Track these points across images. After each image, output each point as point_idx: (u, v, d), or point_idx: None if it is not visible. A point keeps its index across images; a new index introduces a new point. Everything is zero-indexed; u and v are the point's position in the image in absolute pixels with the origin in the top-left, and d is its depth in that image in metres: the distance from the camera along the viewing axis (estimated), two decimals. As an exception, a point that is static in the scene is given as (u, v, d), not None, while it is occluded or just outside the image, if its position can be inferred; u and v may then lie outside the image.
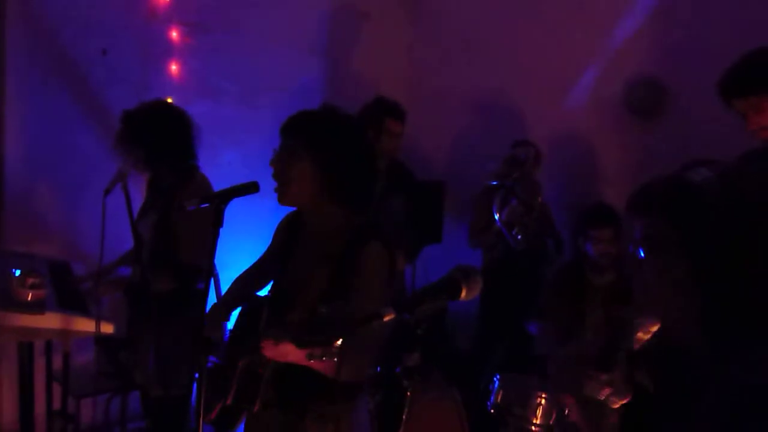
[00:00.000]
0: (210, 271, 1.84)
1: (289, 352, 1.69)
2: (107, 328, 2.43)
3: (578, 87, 4.03)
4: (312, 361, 1.49)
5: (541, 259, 3.75)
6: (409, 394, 1.45)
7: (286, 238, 2.07)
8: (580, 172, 4.06)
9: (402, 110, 3.59)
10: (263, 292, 2.13)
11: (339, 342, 1.41)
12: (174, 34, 3.73)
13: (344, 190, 1.90)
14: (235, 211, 1.87)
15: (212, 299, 2.33)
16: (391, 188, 3.62)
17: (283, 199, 1.92)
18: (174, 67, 3.75)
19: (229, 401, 1.86)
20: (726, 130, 2.47)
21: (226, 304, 2.13)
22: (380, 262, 1.86)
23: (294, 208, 2.04)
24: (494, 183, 3.62)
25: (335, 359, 1.42)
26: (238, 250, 2.85)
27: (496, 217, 3.55)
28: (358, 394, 1.93)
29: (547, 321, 3.30)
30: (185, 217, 2.53)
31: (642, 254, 1.94)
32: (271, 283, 2.09)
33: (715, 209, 1.19)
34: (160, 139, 2.66)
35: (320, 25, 4.29)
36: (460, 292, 1.45)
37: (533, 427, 2.81)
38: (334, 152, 1.88)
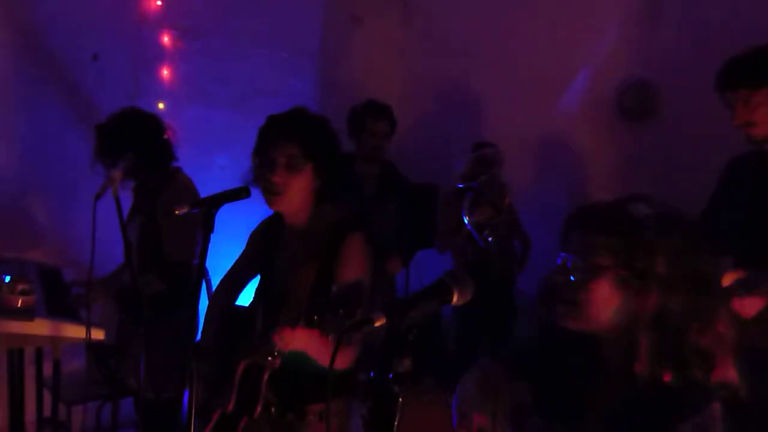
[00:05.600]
0: (201, 275, 1.83)
1: (304, 336, 1.70)
2: (98, 335, 2.42)
3: (569, 90, 4.04)
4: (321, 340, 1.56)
5: (510, 261, 3.72)
6: (400, 400, 1.44)
7: (265, 244, 2.09)
8: (571, 175, 4.06)
9: (382, 108, 3.54)
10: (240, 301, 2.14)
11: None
12: (165, 39, 3.72)
13: (332, 191, 1.96)
14: (225, 215, 1.86)
15: (203, 303, 2.32)
16: (384, 192, 3.62)
17: (278, 206, 1.95)
18: (165, 72, 3.74)
19: (230, 408, 1.85)
20: (716, 133, 2.49)
21: (216, 316, 2.12)
22: (361, 251, 1.92)
23: (268, 214, 2.08)
24: (461, 186, 3.53)
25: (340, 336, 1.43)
26: (229, 254, 2.84)
27: (466, 220, 3.47)
28: (351, 393, 1.98)
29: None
30: (173, 219, 2.53)
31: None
32: (256, 288, 2.09)
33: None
34: (141, 145, 2.67)
35: (312, 30, 4.28)
36: (452, 297, 1.45)
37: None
38: (329, 157, 1.93)
